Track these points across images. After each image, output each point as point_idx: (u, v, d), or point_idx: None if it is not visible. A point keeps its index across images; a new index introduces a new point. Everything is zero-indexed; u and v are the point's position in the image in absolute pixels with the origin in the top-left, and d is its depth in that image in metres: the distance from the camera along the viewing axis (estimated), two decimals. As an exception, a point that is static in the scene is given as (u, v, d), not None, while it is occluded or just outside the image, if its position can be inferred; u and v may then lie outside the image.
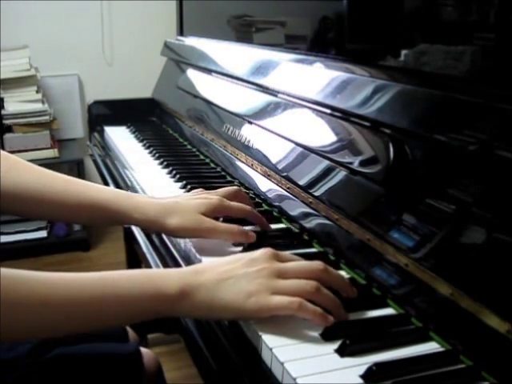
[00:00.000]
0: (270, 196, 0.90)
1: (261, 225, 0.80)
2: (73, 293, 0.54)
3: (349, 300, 0.62)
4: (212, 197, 0.77)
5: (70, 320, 0.55)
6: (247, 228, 0.77)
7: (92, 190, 0.77)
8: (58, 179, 0.78)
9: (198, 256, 0.73)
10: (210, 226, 0.72)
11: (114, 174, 1.21)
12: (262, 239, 0.76)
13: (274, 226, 0.84)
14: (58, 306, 0.53)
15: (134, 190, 1.04)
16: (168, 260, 0.79)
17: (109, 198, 0.75)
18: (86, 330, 0.59)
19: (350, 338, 0.53)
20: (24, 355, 0.77)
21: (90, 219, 0.79)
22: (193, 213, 0.73)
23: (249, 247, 0.72)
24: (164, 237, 0.83)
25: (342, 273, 0.69)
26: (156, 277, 0.58)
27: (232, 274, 0.58)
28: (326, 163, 0.80)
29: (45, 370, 0.76)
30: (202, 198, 0.77)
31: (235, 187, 0.83)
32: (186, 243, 0.77)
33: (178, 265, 0.76)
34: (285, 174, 0.87)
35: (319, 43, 1.00)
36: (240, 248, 0.74)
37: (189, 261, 0.76)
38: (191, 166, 1.17)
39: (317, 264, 0.60)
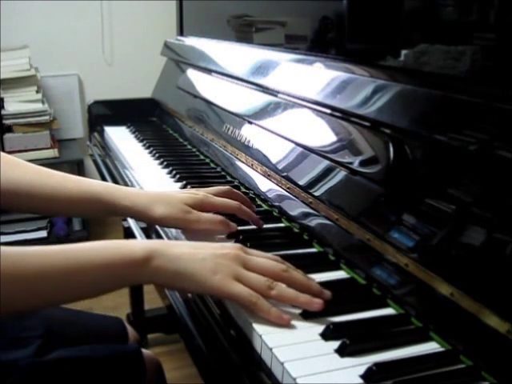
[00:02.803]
0: (270, 196, 0.90)
1: (252, 221, 0.81)
2: (64, 263, 0.57)
3: (349, 300, 0.62)
4: (199, 192, 0.79)
5: (64, 289, 0.58)
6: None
7: (84, 183, 0.79)
8: (52, 175, 0.80)
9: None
10: (194, 216, 0.75)
11: (113, 174, 1.21)
12: (258, 237, 0.77)
13: (273, 226, 0.84)
14: (53, 277, 0.56)
15: (134, 190, 1.05)
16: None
17: (100, 190, 0.78)
18: (66, 300, 0.61)
19: (350, 338, 0.53)
20: (25, 357, 0.77)
21: (83, 211, 0.83)
22: (179, 203, 0.76)
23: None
24: (164, 237, 0.83)
25: (342, 273, 0.70)
26: (123, 244, 0.61)
27: (201, 251, 0.61)
28: (325, 163, 0.80)
29: (45, 372, 0.76)
30: (189, 192, 0.79)
31: (227, 186, 0.84)
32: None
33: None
34: (285, 174, 0.87)
35: (319, 43, 1.00)
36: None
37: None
38: (191, 165, 1.17)
39: (279, 265, 0.62)
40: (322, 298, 0.59)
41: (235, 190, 0.84)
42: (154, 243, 0.62)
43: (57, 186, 0.78)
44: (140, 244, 0.61)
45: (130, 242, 0.61)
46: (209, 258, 0.60)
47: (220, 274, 0.59)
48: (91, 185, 0.79)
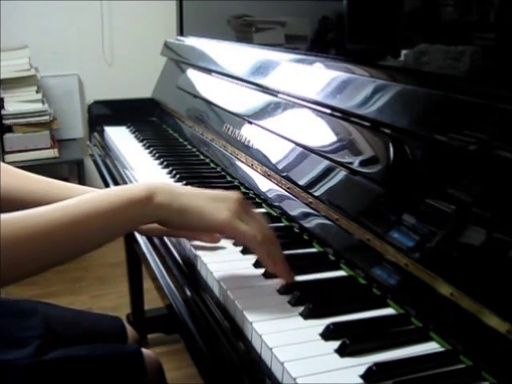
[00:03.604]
0: (270, 196, 0.90)
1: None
2: (70, 216, 0.58)
3: (349, 300, 0.62)
4: None
5: (76, 241, 0.59)
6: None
7: (70, 190, 0.79)
8: (40, 183, 0.80)
9: (197, 254, 0.73)
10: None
11: (113, 174, 1.21)
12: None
13: (273, 226, 0.84)
14: (61, 232, 0.57)
15: (134, 190, 1.04)
16: (168, 260, 0.79)
17: None
18: (79, 252, 0.62)
19: (350, 338, 0.53)
20: (24, 356, 0.77)
21: None
22: None
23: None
24: (164, 237, 0.83)
25: (342, 273, 0.70)
26: (124, 188, 0.65)
27: (205, 192, 0.66)
28: (326, 163, 0.80)
29: (45, 372, 0.76)
30: None
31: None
32: (185, 243, 0.77)
33: (178, 265, 0.76)
34: (285, 174, 0.87)
35: (319, 43, 1.00)
36: (238, 247, 0.74)
37: (189, 261, 0.76)
38: (191, 166, 1.17)
39: (270, 230, 0.67)
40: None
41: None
42: (154, 183, 0.64)
43: (43, 193, 0.78)
44: (140, 185, 0.64)
45: (130, 185, 0.64)
46: (213, 197, 0.64)
47: (226, 211, 0.63)
48: (77, 192, 0.78)
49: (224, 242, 0.76)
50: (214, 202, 0.64)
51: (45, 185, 0.79)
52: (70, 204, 0.59)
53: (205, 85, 1.37)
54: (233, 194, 0.66)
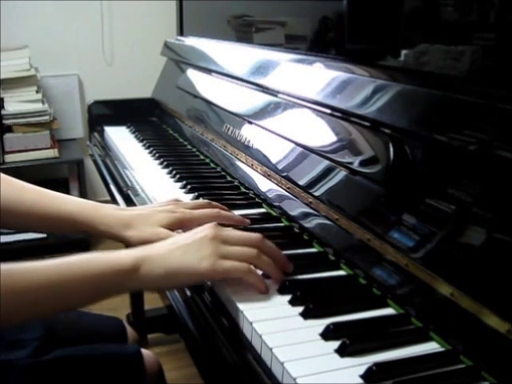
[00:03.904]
0: (270, 196, 0.90)
1: (237, 223, 0.80)
2: (58, 276, 0.59)
3: (349, 300, 0.62)
4: (177, 210, 0.78)
5: (62, 300, 0.60)
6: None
7: (60, 201, 0.79)
8: (28, 191, 0.79)
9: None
10: (164, 238, 0.74)
11: (113, 174, 1.21)
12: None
13: (273, 226, 0.84)
14: (48, 290, 0.58)
15: (134, 190, 1.05)
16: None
17: (74, 211, 0.78)
18: (64, 309, 0.64)
19: (350, 338, 0.53)
20: (24, 356, 0.77)
21: (58, 229, 0.82)
22: (151, 225, 0.75)
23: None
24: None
25: (342, 272, 0.70)
26: (111, 255, 0.62)
27: (181, 244, 0.63)
28: (326, 163, 0.80)
29: (45, 372, 0.76)
30: (167, 210, 0.78)
31: (206, 200, 0.83)
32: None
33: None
34: (285, 174, 0.87)
35: (319, 43, 1.00)
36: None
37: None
38: (191, 165, 1.17)
39: (255, 235, 0.67)
40: (287, 267, 0.66)
41: (213, 203, 0.83)
42: (138, 251, 0.63)
43: (31, 203, 0.77)
44: (127, 253, 0.62)
45: (117, 253, 0.62)
46: (190, 249, 0.62)
47: (206, 258, 0.61)
48: (66, 204, 0.78)
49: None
50: (192, 253, 0.62)
51: (35, 194, 0.79)
52: (60, 264, 0.60)
53: (205, 85, 1.37)
54: (205, 232, 0.64)
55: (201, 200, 0.84)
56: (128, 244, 0.77)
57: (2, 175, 0.79)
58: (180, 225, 0.77)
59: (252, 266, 0.63)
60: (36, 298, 0.57)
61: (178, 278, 0.62)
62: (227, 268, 0.62)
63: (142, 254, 0.62)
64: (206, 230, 0.65)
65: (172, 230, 0.75)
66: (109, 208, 0.79)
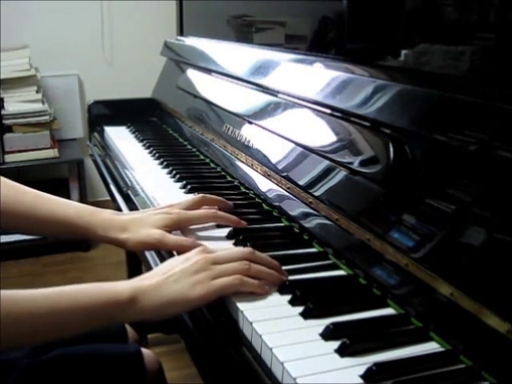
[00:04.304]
0: (269, 196, 0.90)
1: (233, 224, 0.80)
2: (55, 305, 0.59)
3: (349, 300, 0.62)
4: (172, 211, 0.79)
5: (56, 328, 0.60)
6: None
7: (59, 205, 0.79)
8: (28, 194, 0.79)
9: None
10: (158, 238, 0.75)
11: (113, 174, 1.21)
12: (257, 238, 0.78)
13: (273, 226, 0.84)
14: (44, 318, 0.58)
15: (134, 190, 1.05)
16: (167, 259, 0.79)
17: (72, 215, 0.78)
18: (61, 337, 0.63)
19: (350, 338, 0.53)
20: (24, 356, 0.77)
21: (57, 233, 0.82)
22: (146, 227, 0.76)
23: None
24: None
25: (342, 272, 0.70)
26: (107, 286, 0.62)
27: (171, 273, 0.63)
28: (326, 163, 0.80)
29: (45, 371, 0.76)
30: (163, 212, 0.78)
31: (200, 195, 0.84)
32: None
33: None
34: (285, 174, 0.87)
35: (319, 43, 1.00)
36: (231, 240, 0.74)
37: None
38: (191, 165, 1.17)
39: (245, 249, 0.68)
40: (281, 273, 0.66)
41: (208, 196, 0.84)
42: (134, 282, 0.63)
43: (30, 206, 0.77)
44: (123, 285, 0.62)
45: (115, 284, 0.62)
46: (182, 276, 0.62)
47: (199, 283, 0.62)
48: (64, 208, 0.79)
49: (219, 239, 0.77)
50: (184, 281, 0.62)
51: (32, 197, 0.79)
52: (57, 293, 0.60)
53: (205, 85, 1.37)
54: (196, 257, 0.65)
55: (195, 196, 0.84)
56: (125, 247, 0.77)
57: (2, 178, 0.79)
58: (176, 226, 0.77)
59: (245, 277, 0.63)
60: (31, 325, 0.58)
61: (175, 306, 0.62)
62: (220, 286, 0.62)
63: (138, 286, 0.62)
64: (195, 257, 0.65)
65: (169, 231, 0.76)
66: (106, 213, 0.80)
